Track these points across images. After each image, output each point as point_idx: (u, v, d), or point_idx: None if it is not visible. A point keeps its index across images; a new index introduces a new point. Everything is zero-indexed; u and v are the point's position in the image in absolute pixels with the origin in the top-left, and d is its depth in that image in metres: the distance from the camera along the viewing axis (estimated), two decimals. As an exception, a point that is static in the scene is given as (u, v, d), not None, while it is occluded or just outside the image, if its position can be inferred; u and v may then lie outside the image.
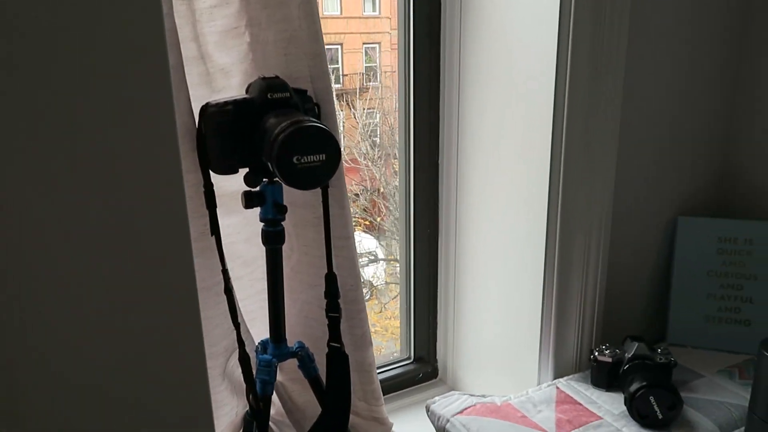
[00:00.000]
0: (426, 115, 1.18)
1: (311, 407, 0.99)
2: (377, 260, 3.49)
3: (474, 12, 1.08)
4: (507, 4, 1.02)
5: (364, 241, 3.40)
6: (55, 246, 0.48)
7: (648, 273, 1.23)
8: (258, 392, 0.86)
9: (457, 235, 1.22)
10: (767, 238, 1.15)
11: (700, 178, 1.24)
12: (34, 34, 0.44)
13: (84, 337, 0.50)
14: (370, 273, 3.40)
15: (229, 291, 0.80)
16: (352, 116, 3.38)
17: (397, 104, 1.19)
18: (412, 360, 1.32)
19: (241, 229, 0.92)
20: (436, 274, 1.28)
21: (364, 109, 3.41)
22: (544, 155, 1.00)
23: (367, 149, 3.42)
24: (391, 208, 3.32)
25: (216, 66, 0.85)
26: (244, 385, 0.84)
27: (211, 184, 0.78)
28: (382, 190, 3.39)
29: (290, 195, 0.85)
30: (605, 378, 1.05)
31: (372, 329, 0.98)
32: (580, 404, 1.02)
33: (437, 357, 1.33)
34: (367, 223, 3.43)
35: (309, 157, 0.72)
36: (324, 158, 0.73)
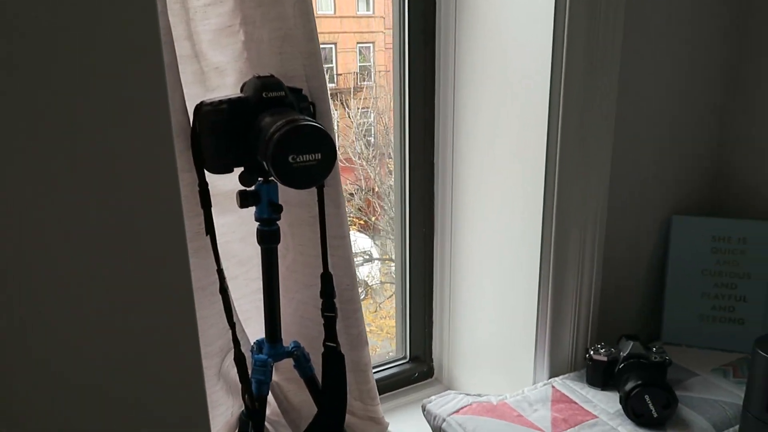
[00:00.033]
0: (421, 114, 1.18)
1: (307, 407, 0.99)
2: (372, 260, 3.49)
3: (469, 10, 1.08)
4: (502, 3, 1.02)
5: (359, 241, 3.40)
6: (54, 246, 0.48)
7: (643, 272, 1.23)
8: (254, 392, 0.86)
9: (453, 234, 1.22)
10: (761, 237, 1.16)
11: (695, 177, 1.24)
12: (32, 33, 0.44)
13: (81, 337, 0.50)
14: (365, 272, 3.40)
15: (224, 290, 0.80)
16: (347, 116, 3.37)
17: (392, 103, 1.19)
18: (407, 359, 1.32)
19: (236, 229, 0.92)
20: (432, 273, 1.28)
21: (358, 108, 3.41)
22: (540, 152, 1.00)
23: (361, 148, 3.42)
24: (385, 208, 3.32)
25: (210, 64, 0.85)
26: (240, 385, 0.84)
27: (206, 184, 0.77)
28: (376, 189, 3.39)
29: (285, 194, 0.85)
30: (600, 377, 1.05)
31: (367, 329, 0.98)
32: (576, 403, 1.02)
33: (433, 356, 1.33)
34: (362, 222, 3.43)
35: (304, 156, 0.72)
36: (319, 157, 0.73)
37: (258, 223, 0.83)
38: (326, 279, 0.87)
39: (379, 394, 1.03)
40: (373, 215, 3.45)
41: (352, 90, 3.47)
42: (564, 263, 1.05)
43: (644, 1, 1.05)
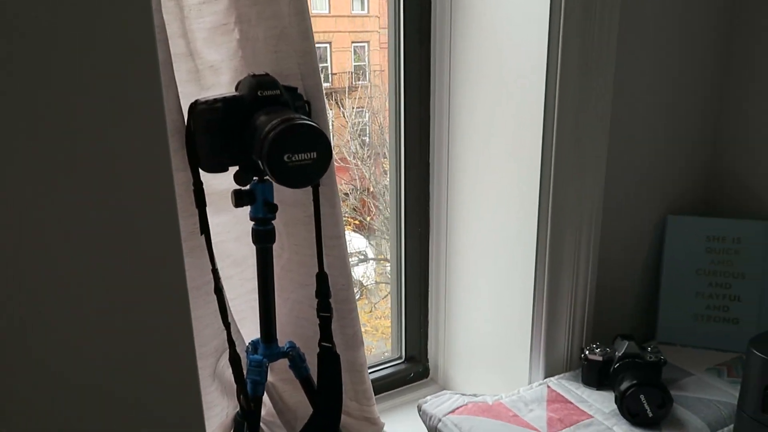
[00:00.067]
0: (417, 113, 1.17)
1: (302, 407, 0.98)
2: (367, 260, 3.48)
3: (464, 10, 1.08)
4: (497, 2, 1.02)
5: (354, 241, 3.40)
6: (53, 246, 0.47)
7: (637, 272, 1.24)
8: (249, 393, 0.85)
9: (448, 234, 1.22)
10: (755, 237, 1.16)
11: (689, 178, 1.25)
12: (29, 31, 0.43)
13: (78, 336, 0.50)
14: (360, 273, 3.39)
15: (219, 290, 0.79)
16: (342, 115, 3.37)
17: (387, 103, 1.19)
18: (403, 359, 1.31)
19: (231, 228, 0.92)
20: (427, 273, 1.28)
21: (353, 108, 3.40)
22: (535, 152, 1.00)
23: (356, 148, 3.42)
24: (380, 208, 3.32)
25: (205, 63, 0.84)
26: (235, 386, 0.84)
27: (201, 183, 0.77)
28: (371, 189, 3.39)
29: (281, 193, 0.85)
30: (596, 377, 1.05)
31: (362, 329, 0.98)
32: (571, 403, 1.02)
33: (428, 356, 1.33)
34: (357, 222, 3.43)
35: (300, 155, 0.71)
36: (315, 156, 0.72)
37: (253, 223, 0.83)
38: (322, 279, 0.87)
39: (375, 395, 1.03)
40: (368, 215, 3.45)
41: (347, 89, 3.47)
42: (559, 263, 1.05)
43: (639, 2, 1.05)
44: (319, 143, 0.72)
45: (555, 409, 1.00)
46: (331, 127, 1.07)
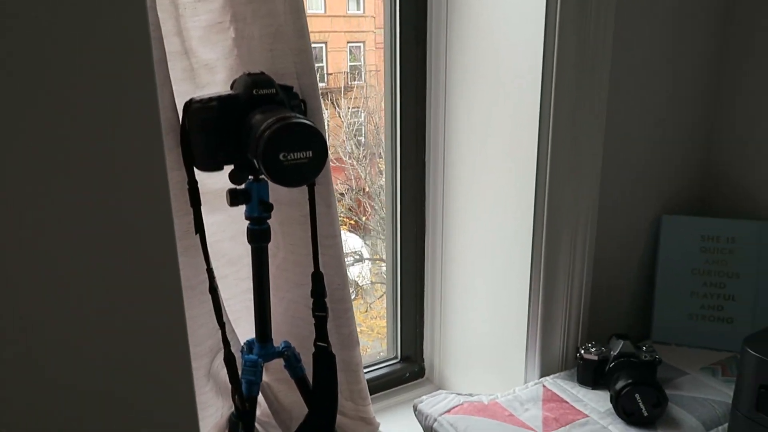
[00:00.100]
0: (413, 113, 1.17)
1: (298, 407, 0.98)
2: (362, 260, 3.48)
3: (460, 9, 1.08)
4: (494, 2, 1.02)
5: (350, 241, 3.39)
6: (42, 245, 0.47)
7: (632, 271, 1.24)
8: (244, 393, 0.85)
9: (444, 234, 1.22)
10: (749, 236, 1.16)
11: (684, 177, 1.25)
12: (29, 32, 0.43)
13: (70, 335, 0.49)
14: (356, 273, 3.39)
15: (213, 290, 0.79)
16: (337, 115, 3.36)
17: (383, 103, 1.19)
18: (399, 359, 1.31)
19: (226, 227, 0.91)
20: (423, 273, 1.28)
21: (348, 108, 3.40)
22: (531, 152, 1.00)
23: (352, 148, 3.41)
24: (376, 208, 3.32)
25: (200, 61, 0.84)
26: (230, 386, 0.83)
27: (196, 182, 0.76)
28: (367, 189, 3.39)
29: (276, 193, 0.84)
30: (591, 376, 1.05)
31: (358, 329, 0.98)
32: (567, 402, 1.02)
33: (424, 356, 1.33)
34: (352, 222, 3.42)
35: (295, 154, 0.71)
36: (311, 155, 0.72)
37: (248, 222, 0.82)
38: (317, 278, 0.87)
39: (371, 394, 1.03)
40: (364, 215, 3.45)
41: (342, 89, 3.47)
42: (555, 262, 1.05)
43: (634, 1, 1.05)
44: (315, 142, 0.72)
45: (550, 409, 1.00)
46: (327, 127, 1.07)
